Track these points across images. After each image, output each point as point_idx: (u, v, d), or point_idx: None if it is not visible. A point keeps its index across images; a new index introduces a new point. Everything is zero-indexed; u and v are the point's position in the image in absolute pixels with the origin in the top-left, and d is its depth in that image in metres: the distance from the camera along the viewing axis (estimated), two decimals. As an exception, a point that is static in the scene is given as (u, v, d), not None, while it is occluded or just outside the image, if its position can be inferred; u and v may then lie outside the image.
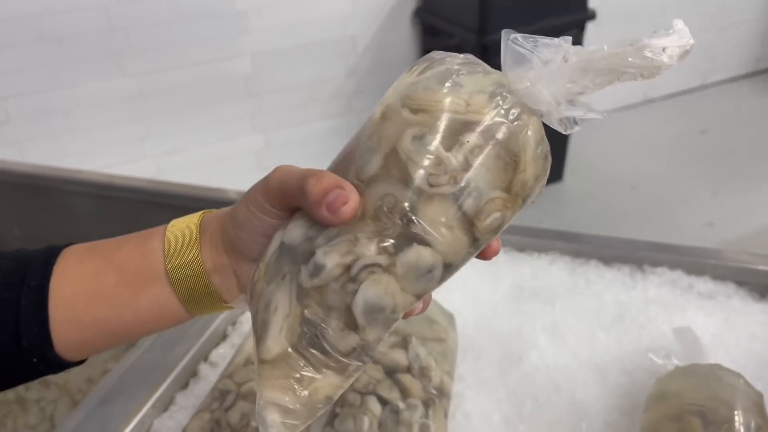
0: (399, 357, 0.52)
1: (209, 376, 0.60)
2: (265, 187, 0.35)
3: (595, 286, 0.68)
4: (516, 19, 2.04)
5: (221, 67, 2.17)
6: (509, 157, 0.30)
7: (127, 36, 1.98)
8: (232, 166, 2.32)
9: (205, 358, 0.62)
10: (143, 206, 0.90)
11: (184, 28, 2.05)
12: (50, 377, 0.47)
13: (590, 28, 2.24)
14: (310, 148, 2.44)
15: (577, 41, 2.16)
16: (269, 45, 2.21)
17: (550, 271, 0.70)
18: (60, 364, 0.37)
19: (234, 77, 2.20)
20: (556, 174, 2.47)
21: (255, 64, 2.22)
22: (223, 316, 0.65)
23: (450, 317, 0.60)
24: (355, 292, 0.30)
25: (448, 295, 0.67)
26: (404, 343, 0.53)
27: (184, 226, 0.39)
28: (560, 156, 2.44)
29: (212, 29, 2.09)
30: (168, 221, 0.85)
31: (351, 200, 0.31)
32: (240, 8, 2.10)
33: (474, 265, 0.71)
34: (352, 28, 2.30)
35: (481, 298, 0.67)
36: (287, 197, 0.34)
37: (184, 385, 0.60)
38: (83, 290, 0.37)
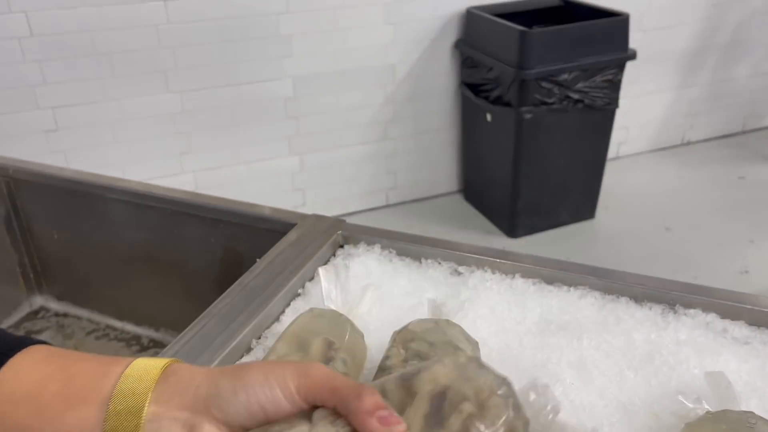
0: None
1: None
2: (304, 374, 0.37)
3: (624, 324, 0.66)
4: (555, 55, 2.05)
5: (263, 89, 2.22)
6: None
7: (175, 54, 2.04)
8: (267, 185, 2.35)
9: (230, 370, 0.63)
10: (179, 217, 0.92)
11: (230, 49, 2.10)
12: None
13: (629, 67, 2.24)
14: (344, 172, 2.47)
15: (615, 80, 2.15)
16: (310, 69, 2.25)
17: (579, 306, 0.69)
18: None
19: (275, 99, 2.25)
20: (588, 211, 2.44)
21: (296, 87, 2.26)
22: (248, 329, 0.66)
23: (475, 344, 0.60)
24: None
25: (474, 323, 0.66)
26: (427, 367, 0.53)
27: (145, 367, 0.39)
28: (593, 193, 2.42)
29: (256, 52, 2.15)
30: (203, 233, 0.87)
31: (402, 425, 0.36)
32: (284, 33, 2.16)
33: (502, 294, 0.71)
34: (393, 56, 2.34)
35: (507, 329, 0.67)
36: (323, 394, 0.37)
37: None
38: (22, 391, 0.37)
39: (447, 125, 2.53)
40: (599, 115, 2.23)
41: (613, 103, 2.21)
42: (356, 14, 2.22)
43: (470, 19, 2.31)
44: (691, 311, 0.67)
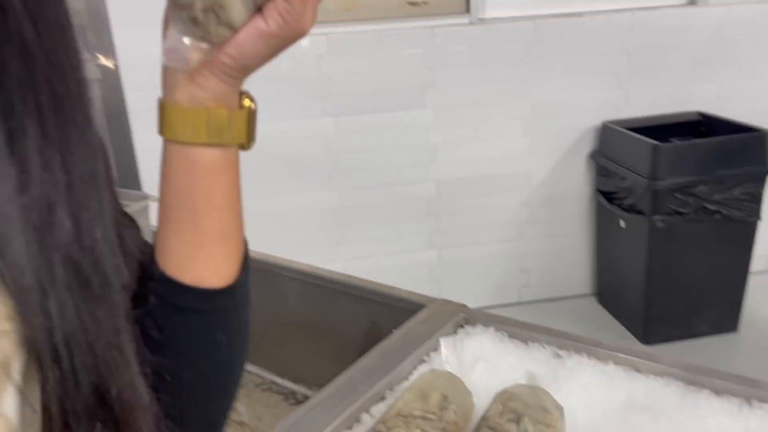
0: (511, 428, 0.67)
1: (368, 423, 0.79)
2: None
3: (701, 411, 0.76)
4: (688, 167, 2.12)
5: (409, 190, 2.50)
6: None
7: (339, 159, 2.40)
8: (407, 275, 2.58)
9: (367, 410, 0.81)
10: (335, 294, 1.16)
11: (385, 156, 2.43)
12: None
13: (772, 181, 2.23)
14: (479, 268, 2.64)
15: (756, 193, 2.16)
16: (452, 174, 2.51)
17: (663, 392, 0.80)
18: None
19: (419, 199, 2.52)
20: (730, 323, 2.38)
21: (439, 189, 2.52)
22: (383, 382, 0.84)
23: (561, 410, 0.73)
24: None
25: (566, 396, 0.79)
26: (517, 419, 0.68)
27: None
28: (735, 305, 2.36)
29: (407, 158, 2.45)
30: (353, 308, 1.13)
31: None
32: (432, 142, 2.45)
33: (594, 376, 0.84)
34: (529, 164, 2.53)
35: (595, 404, 0.79)
36: None
37: (349, 427, 0.80)
38: None
39: (581, 229, 2.64)
40: (739, 228, 2.23)
41: (754, 216, 2.21)
42: (496, 127, 2.47)
43: (606, 132, 2.46)
44: (766, 405, 0.76)
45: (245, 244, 0.47)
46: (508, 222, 2.60)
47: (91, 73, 2.19)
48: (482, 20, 2.40)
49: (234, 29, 0.40)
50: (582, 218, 2.63)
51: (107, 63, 2.23)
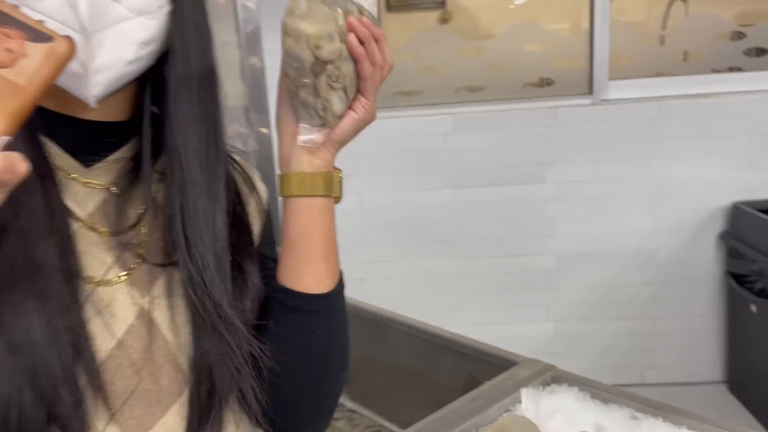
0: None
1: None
2: None
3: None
4: (824, 252, 2.02)
5: (528, 261, 2.57)
6: None
7: (458, 228, 2.55)
8: (523, 345, 2.59)
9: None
10: (439, 348, 1.29)
11: (504, 227, 2.54)
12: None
13: None
14: (598, 343, 2.61)
15: None
16: (572, 248, 2.55)
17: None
18: None
19: (537, 270, 2.58)
20: None
21: (558, 262, 2.57)
22: (469, 423, 0.95)
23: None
24: None
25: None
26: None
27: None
28: None
29: (526, 230, 2.54)
30: (454, 360, 1.28)
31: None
32: (551, 216, 2.53)
33: None
34: (653, 242, 2.52)
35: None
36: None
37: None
38: None
39: (709, 311, 2.54)
40: None
41: None
42: (619, 204, 2.50)
43: (737, 213, 2.40)
44: None
45: (339, 264, 0.66)
46: (630, 299, 2.57)
47: (250, 146, 2.57)
48: (605, 101, 2.50)
49: (339, 118, 0.60)
50: (711, 300, 2.54)
51: (264, 130, 2.59)
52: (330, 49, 0.55)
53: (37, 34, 0.43)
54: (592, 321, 2.60)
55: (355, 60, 0.58)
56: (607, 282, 2.57)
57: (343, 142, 0.62)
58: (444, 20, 3.16)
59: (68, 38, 0.44)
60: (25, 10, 0.45)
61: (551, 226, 2.54)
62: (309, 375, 0.64)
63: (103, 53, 0.49)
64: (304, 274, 0.61)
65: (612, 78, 2.50)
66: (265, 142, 2.63)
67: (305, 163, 0.61)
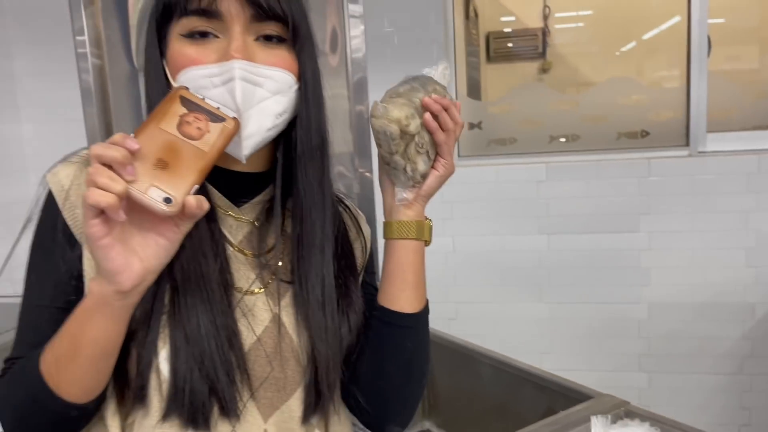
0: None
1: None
2: None
3: None
4: None
5: (619, 309, 2.59)
6: None
7: (549, 274, 2.62)
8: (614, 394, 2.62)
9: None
10: (521, 381, 1.39)
11: (596, 274, 2.58)
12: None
13: None
14: (693, 397, 2.56)
15: None
16: (666, 298, 2.55)
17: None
18: None
19: (629, 319, 2.59)
20: None
21: (650, 312, 2.57)
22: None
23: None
24: None
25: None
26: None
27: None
28: None
29: (618, 278, 2.57)
30: (534, 393, 1.42)
31: None
32: (645, 266, 2.54)
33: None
34: (752, 296, 2.46)
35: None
36: None
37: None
38: None
39: (816, 372, 2.43)
40: None
41: None
42: (716, 256, 2.48)
43: None
44: None
45: (426, 292, 0.81)
46: (728, 354, 2.51)
47: (354, 188, 2.79)
48: (702, 153, 2.51)
49: (425, 177, 0.76)
50: (817, 360, 2.43)
51: (367, 174, 2.80)
52: (413, 126, 0.72)
53: (215, 117, 0.62)
54: (687, 374, 2.56)
55: (430, 132, 0.75)
56: (703, 335, 2.53)
57: (429, 196, 0.79)
58: (544, 70, 3.29)
59: (235, 119, 0.63)
60: (207, 99, 0.64)
61: (645, 275, 2.55)
62: (399, 377, 0.79)
63: (251, 124, 0.67)
64: (398, 298, 0.78)
65: (710, 130, 2.51)
66: (367, 185, 2.84)
67: (402, 214, 0.78)
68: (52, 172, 0.71)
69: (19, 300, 0.72)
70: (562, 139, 2.74)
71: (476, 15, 3.12)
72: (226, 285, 0.71)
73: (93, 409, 0.67)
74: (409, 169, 0.74)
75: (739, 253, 2.47)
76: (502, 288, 2.68)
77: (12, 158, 2.85)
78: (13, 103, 2.89)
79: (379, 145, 0.75)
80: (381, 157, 0.77)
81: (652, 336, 2.58)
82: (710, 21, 2.51)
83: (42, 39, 2.85)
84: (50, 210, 0.70)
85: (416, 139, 0.73)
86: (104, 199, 0.53)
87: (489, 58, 3.23)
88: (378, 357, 0.78)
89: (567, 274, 2.61)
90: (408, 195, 0.77)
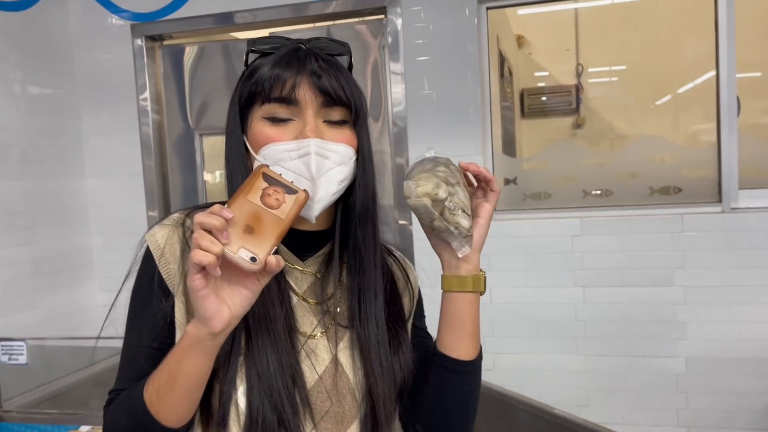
0: None
1: None
2: None
3: None
4: None
5: (656, 363, 2.61)
6: None
7: (585, 326, 2.67)
8: (651, 449, 2.61)
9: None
10: (556, 427, 1.45)
11: (631, 327, 2.62)
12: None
13: None
14: (733, 455, 2.54)
15: None
16: (704, 353, 2.56)
17: None
18: None
19: (667, 373, 2.60)
20: None
21: (688, 366, 2.58)
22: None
23: None
24: None
25: None
26: None
27: None
28: None
29: (654, 331, 2.60)
30: None
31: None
32: (681, 320, 2.58)
33: None
34: (792, 351, 2.46)
35: None
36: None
37: None
38: None
39: None
40: None
41: None
42: (752, 311, 2.50)
43: None
44: None
45: (480, 339, 0.89)
46: (765, 409, 2.50)
47: (393, 238, 2.90)
48: (735, 209, 2.56)
49: (470, 229, 0.84)
50: None
51: (405, 224, 2.92)
52: (441, 192, 0.82)
53: (290, 189, 0.74)
54: (725, 429, 2.54)
55: (486, 181, 0.87)
56: (741, 390, 2.52)
57: (481, 246, 0.87)
58: (578, 125, 3.39)
59: (305, 191, 0.75)
60: (282, 173, 0.75)
61: (681, 329, 2.58)
62: (455, 415, 0.89)
63: (320, 191, 0.80)
64: (458, 347, 0.87)
65: (741, 187, 2.57)
66: (406, 236, 2.95)
67: (461, 269, 0.86)
68: (150, 233, 0.84)
69: (120, 341, 0.85)
70: (597, 192, 2.83)
71: (510, 73, 3.28)
72: (291, 329, 0.83)
73: None
74: (453, 228, 0.83)
75: (778, 308, 2.48)
76: (538, 339, 2.73)
77: (76, 210, 3.07)
78: (79, 159, 3.12)
79: (420, 218, 0.85)
80: (425, 228, 0.87)
81: (690, 390, 2.59)
82: (742, 75, 2.60)
83: (107, 101, 3.10)
84: (149, 265, 0.83)
85: (447, 203, 0.82)
86: (206, 258, 0.64)
87: (523, 114, 3.37)
88: (438, 397, 0.87)
89: (603, 327, 2.66)
90: (467, 248, 0.85)
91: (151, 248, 0.83)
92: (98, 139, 3.13)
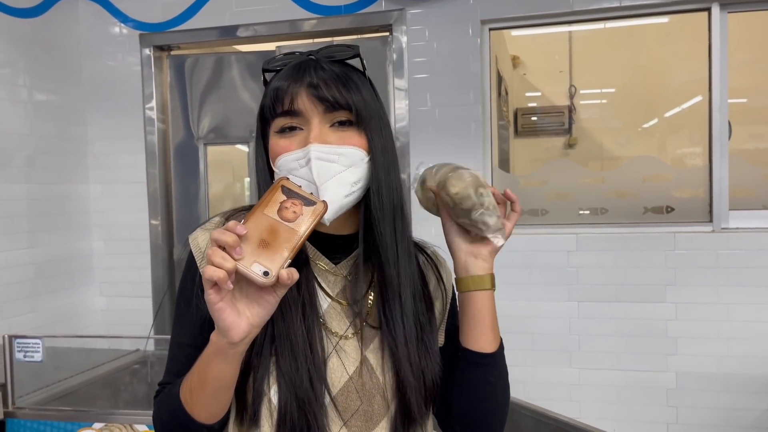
0: None
1: None
2: None
3: None
4: None
5: (648, 377, 2.67)
6: None
7: (579, 340, 2.73)
8: (641, 462, 2.66)
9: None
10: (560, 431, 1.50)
11: (623, 341, 2.69)
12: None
13: None
14: (721, 470, 2.60)
15: None
16: (694, 368, 2.63)
17: None
18: None
19: (658, 387, 2.67)
20: None
21: (678, 381, 2.65)
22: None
23: None
24: None
25: None
26: None
27: None
28: None
29: (644, 346, 2.67)
30: None
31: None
32: (672, 335, 2.65)
33: None
34: (779, 368, 2.54)
35: None
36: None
37: None
38: None
39: None
40: None
41: None
42: (741, 328, 2.57)
43: None
44: None
45: (499, 332, 0.94)
46: (754, 425, 2.56)
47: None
48: (725, 229, 2.65)
49: (499, 226, 0.89)
50: None
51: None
52: (483, 185, 0.88)
53: (308, 201, 0.76)
54: (715, 444, 2.61)
55: (512, 201, 0.93)
56: (730, 405, 2.59)
57: (497, 251, 0.92)
58: (570, 145, 3.48)
59: (324, 202, 0.77)
60: (303, 187, 0.79)
61: (672, 344, 2.65)
62: (484, 406, 0.92)
63: (328, 193, 0.83)
64: (479, 340, 0.91)
65: (732, 207, 2.66)
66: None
67: (479, 269, 0.90)
68: (193, 236, 0.89)
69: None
70: (591, 210, 2.91)
71: (506, 93, 3.36)
72: (325, 330, 0.87)
73: (218, 429, 0.83)
74: (489, 218, 0.88)
75: (764, 326, 2.56)
76: (533, 352, 2.78)
77: (79, 215, 3.09)
78: (84, 165, 3.15)
79: (453, 210, 0.89)
80: (449, 224, 0.92)
81: (680, 405, 2.65)
82: (732, 101, 2.70)
83: (113, 108, 3.15)
84: (191, 267, 0.88)
85: (486, 197, 0.88)
86: (216, 274, 0.67)
87: (517, 133, 3.45)
88: (467, 392, 0.91)
89: (596, 341, 2.72)
90: (501, 239, 0.90)
91: (193, 251, 0.88)
92: (103, 145, 3.17)
